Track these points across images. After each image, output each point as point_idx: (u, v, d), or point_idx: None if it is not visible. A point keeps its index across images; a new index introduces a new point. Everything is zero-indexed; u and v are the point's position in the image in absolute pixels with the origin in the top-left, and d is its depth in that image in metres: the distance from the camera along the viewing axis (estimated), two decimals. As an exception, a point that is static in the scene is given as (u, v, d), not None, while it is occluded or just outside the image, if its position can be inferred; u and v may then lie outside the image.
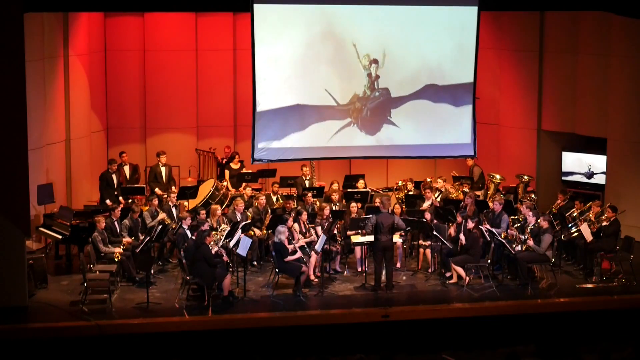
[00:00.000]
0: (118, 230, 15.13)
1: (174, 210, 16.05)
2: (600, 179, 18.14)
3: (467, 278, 14.57)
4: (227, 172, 18.14)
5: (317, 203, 16.35)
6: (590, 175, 18.30)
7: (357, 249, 15.36)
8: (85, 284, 13.74)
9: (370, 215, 14.85)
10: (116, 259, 14.44)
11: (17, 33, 13.37)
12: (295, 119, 17.00)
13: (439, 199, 16.67)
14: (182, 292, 14.15)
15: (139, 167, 18.65)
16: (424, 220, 15.31)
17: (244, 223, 15.14)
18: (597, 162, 18.21)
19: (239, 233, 14.63)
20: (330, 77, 16.96)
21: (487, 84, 19.09)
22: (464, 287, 14.49)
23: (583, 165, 18.47)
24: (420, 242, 15.57)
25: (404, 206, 16.48)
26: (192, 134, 19.69)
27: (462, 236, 14.70)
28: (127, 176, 17.85)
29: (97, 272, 14.06)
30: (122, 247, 14.79)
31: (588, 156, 18.43)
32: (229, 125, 19.92)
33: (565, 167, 18.71)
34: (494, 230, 14.73)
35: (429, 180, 17.53)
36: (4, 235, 13.55)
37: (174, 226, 15.50)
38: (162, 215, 15.60)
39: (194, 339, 13.20)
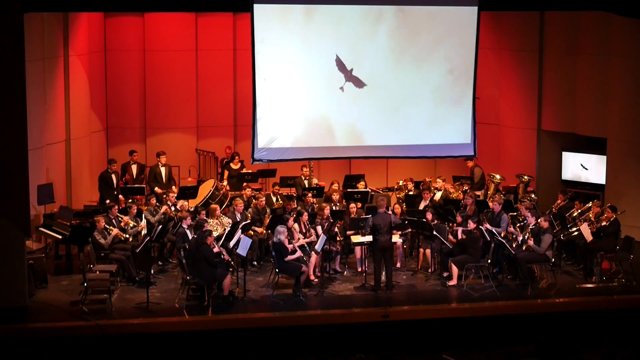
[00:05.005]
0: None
1: (173, 210, 16.05)
2: (600, 179, 18.15)
3: (460, 279, 14.59)
4: (226, 172, 18.14)
5: (316, 204, 16.36)
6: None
7: (357, 249, 15.35)
8: (85, 284, 13.74)
9: (368, 216, 14.83)
10: (122, 238, 14.57)
11: (17, 33, 13.36)
12: (295, 119, 17.00)
13: (438, 197, 16.70)
14: (182, 292, 14.15)
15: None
16: (424, 220, 15.31)
17: (244, 223, 15.15)
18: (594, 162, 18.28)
19: (238, 233, 14.63)
20: (330, 76, 16.97)
21: (487, 84, 19.09)
22: (464, 287, 14.49)
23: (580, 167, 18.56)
24: (420, 243, 15.56)
25: (404, 206, 16.48)
26: (192, 134, 19.68)
27: (459, 231, 14.74)
28: (134, 175, 17.82)
29: (97, 272, 14.06)
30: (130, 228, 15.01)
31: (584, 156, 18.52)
32: (229, 125, 19.92)
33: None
34: (494, 229, 14.73)
35: (428, 180, 17.53)
36: (4, 235, 13.55)
37: (175, 215, 15.57)
38: (163, 208, 15.66)
39: (194, 339, 13.20)
